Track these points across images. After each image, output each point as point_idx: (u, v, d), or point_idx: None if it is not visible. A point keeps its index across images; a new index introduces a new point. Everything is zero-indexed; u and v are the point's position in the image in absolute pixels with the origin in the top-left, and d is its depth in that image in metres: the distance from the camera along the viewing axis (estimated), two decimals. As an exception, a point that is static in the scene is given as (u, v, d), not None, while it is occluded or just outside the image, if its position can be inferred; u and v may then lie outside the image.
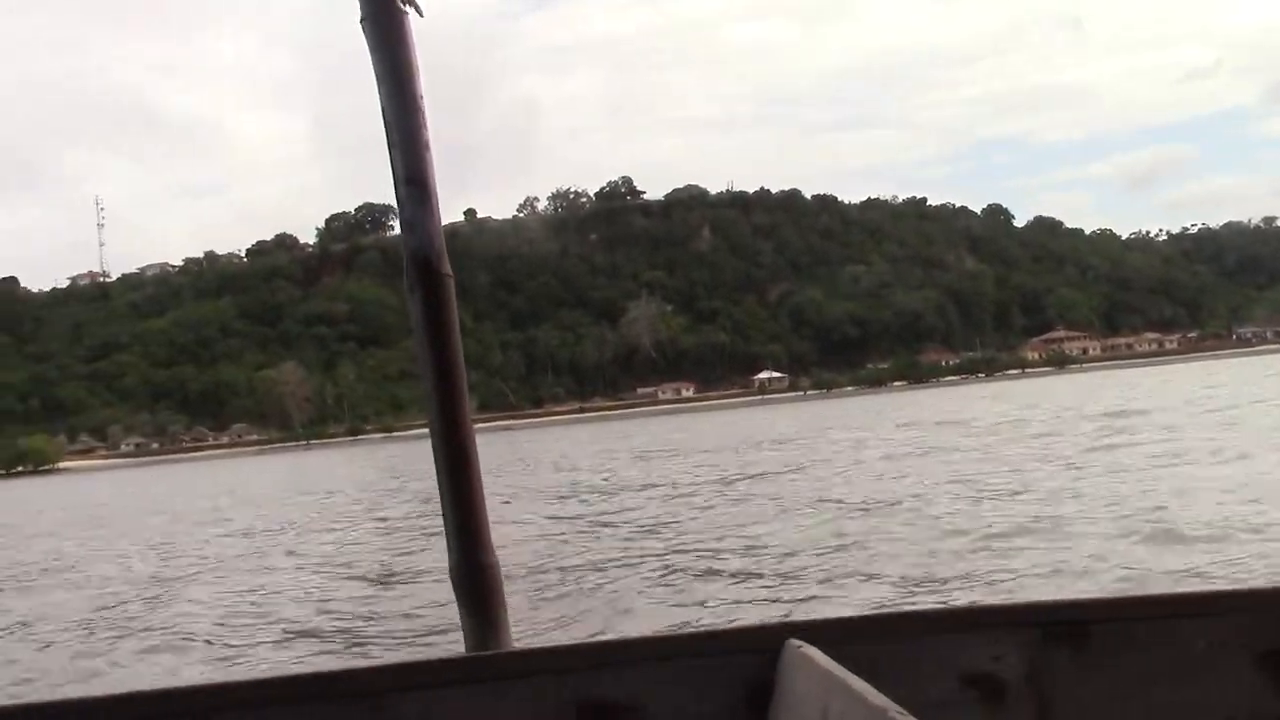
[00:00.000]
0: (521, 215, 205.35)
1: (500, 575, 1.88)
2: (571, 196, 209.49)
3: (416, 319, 1.75)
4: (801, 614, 9.21)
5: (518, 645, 1.92)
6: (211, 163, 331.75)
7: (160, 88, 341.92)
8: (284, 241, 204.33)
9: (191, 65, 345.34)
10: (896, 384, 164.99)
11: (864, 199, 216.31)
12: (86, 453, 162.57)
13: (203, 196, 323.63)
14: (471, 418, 1.85)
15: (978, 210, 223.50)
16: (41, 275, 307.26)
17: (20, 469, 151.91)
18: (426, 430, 1.92)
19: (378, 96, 1.76)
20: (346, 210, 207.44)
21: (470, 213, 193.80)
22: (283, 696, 1.71)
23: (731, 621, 9.77)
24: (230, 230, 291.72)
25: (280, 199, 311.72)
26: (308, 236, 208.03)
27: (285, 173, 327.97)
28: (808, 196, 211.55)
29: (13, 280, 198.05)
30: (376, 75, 1.76)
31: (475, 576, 1.84)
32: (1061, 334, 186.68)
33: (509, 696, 1.80)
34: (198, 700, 1.71)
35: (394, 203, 1.93)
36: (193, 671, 9.39)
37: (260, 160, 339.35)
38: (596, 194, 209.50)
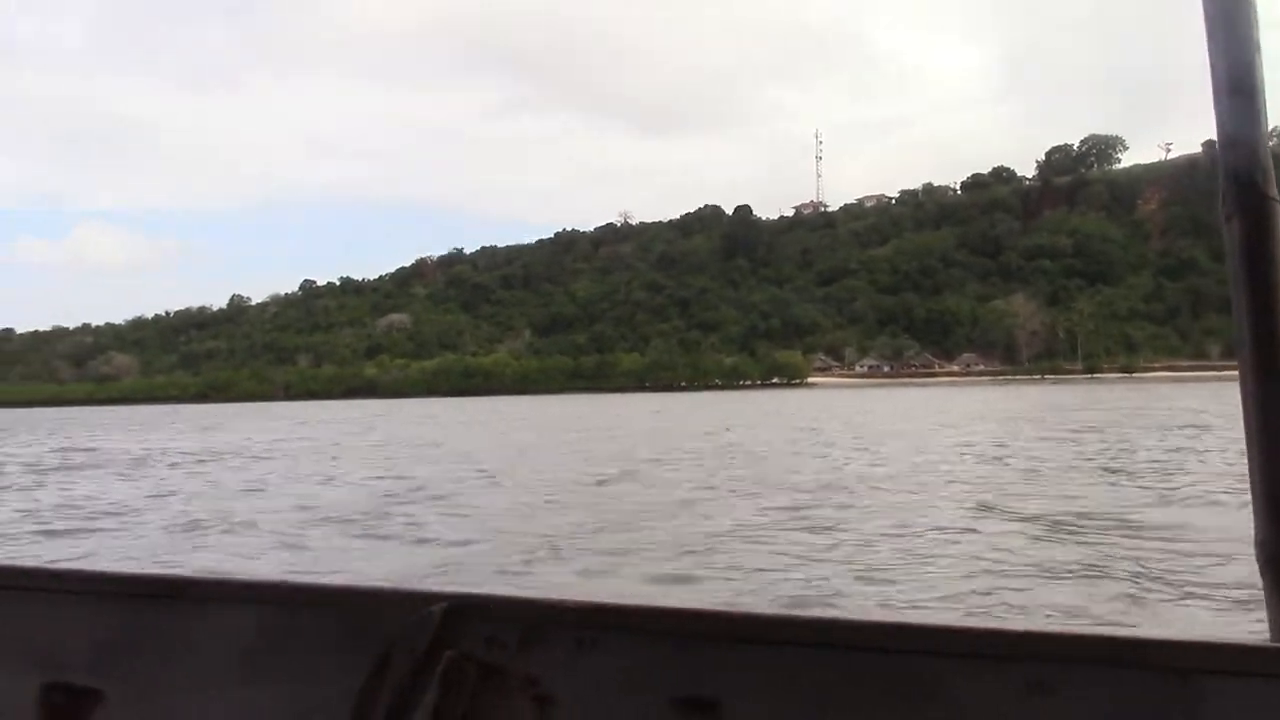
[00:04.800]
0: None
1: None
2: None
3: (1232, 249, 1.53)
4: None
5: None
6: (907, 95, 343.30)
7: (860, 23, 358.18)
8: (1000, 174, 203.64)
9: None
10: None
11: None
12: (824, 370, 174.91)
13: (897, 129, 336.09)
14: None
15: None
16: (766, 204, 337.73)
17: (775, 380, 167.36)
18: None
19: None
20: (1067, 143, 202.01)
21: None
22: (1074, 655, 1.48)
23: None
24: (928, 162, 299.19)
25: (973, 131, 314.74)
26: (1023, 169, 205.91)
27: (978, 105, 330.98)
28: None
29: (746, 208, 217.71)
30: None
31: None
32: None
33: None
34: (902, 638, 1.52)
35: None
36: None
37: (953, 93, 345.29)
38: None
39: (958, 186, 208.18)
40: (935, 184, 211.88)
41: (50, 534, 14.86)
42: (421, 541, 13.43)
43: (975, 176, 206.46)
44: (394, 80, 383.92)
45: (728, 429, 39.16)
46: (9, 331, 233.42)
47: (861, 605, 8.96)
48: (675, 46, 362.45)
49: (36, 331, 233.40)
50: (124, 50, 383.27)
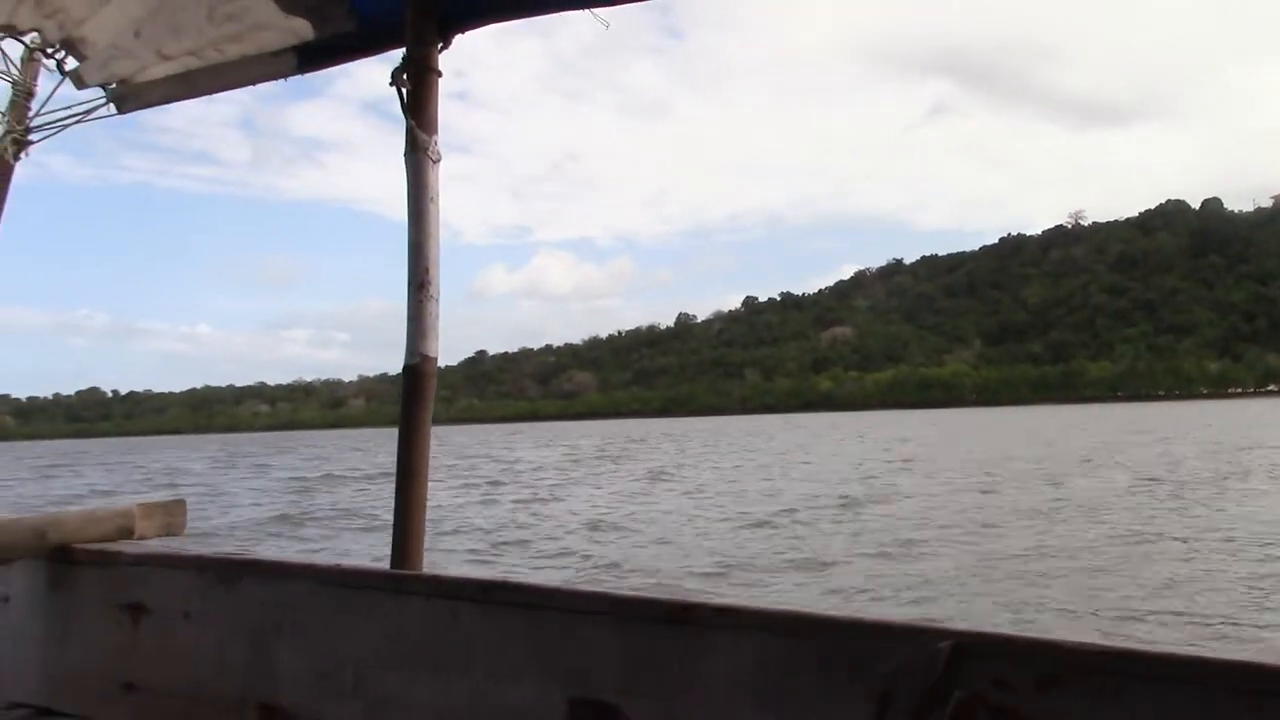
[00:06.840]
0: None
1: None
2: None
3: None
4: None
5: None
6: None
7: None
8: None
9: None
10: None
11: None
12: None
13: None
14: None
15: None
16: (1237, 195, 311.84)
17: (1272, 388, 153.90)
18: None
19: None
20: None
21: None
22: None
23: None
24: None
25: None
26: None
27: None
28: None
29: (1217, 200, 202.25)
30: None
31: None
32: None
33: None
34: None
35: None
36: None
37: None
38: None
39: None
40: None
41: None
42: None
43: None
44: (818, 95, 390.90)
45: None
46: (483, 353, 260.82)
47: None
48: (1115, 34, 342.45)
49: (505, 353, 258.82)
50: (567, 91, 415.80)
